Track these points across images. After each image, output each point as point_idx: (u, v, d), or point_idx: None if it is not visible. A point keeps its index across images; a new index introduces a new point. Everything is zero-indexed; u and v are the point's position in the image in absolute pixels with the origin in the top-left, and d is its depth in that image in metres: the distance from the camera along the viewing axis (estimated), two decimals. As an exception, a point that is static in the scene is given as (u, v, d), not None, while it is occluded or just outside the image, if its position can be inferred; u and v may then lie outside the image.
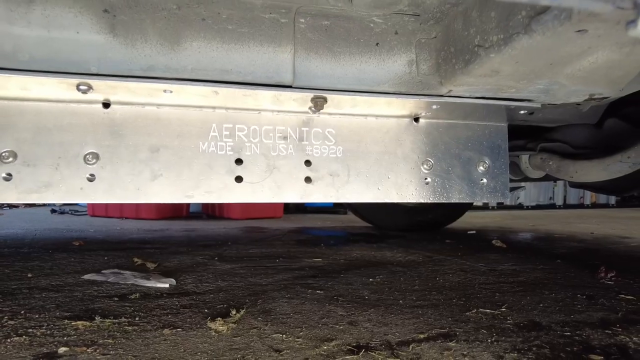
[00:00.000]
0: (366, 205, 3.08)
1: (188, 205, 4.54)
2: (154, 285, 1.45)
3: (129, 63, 0.73)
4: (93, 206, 4.28)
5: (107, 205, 4.14)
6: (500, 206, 5.96)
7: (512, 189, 1.08)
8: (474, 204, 5.77)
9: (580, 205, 6.37)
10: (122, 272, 1.64)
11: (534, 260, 2.07)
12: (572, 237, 3.09)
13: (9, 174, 0.79)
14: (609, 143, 1.14)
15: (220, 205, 4.32)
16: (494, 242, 2.65)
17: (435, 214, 3.05)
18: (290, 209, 5.04)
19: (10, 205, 5.38)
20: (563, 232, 3.37)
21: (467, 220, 4.12)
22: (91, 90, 0.76)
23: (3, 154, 0.79)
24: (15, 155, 0.79)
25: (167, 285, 1.44)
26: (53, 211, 4.67)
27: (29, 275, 1.60)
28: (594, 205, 6.47)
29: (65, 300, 1.27)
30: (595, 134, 1.16)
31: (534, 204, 6.09)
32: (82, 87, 0.75)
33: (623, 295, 1.42)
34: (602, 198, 6.66)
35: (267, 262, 1.91)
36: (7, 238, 2.61)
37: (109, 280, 1.53)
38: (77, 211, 4.73)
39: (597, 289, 1.51)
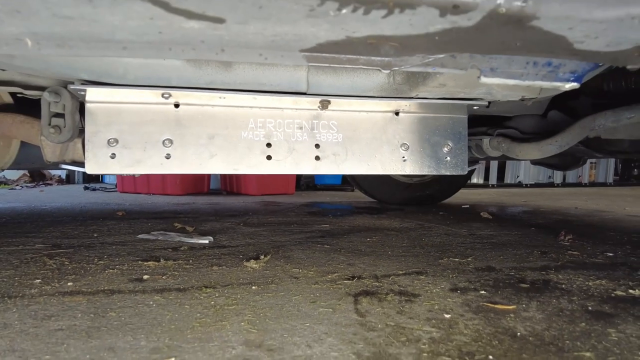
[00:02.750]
0: (370, 183, 3.43)
1: (209, 182, 4.94)
2: (196, 241, 1.84)
3: (197, 79, 1.08)
4: (122, 183, 4.70)
5: (135, 182, 4.56)
6: (500, 184, 6.26)
7: (471, 166, 1.43)
8: (472, 181, 6.07)
9: (579, 184, 6.64)
10: (167, 233, 2.03)
11: (511, 228, 2.42)
12: (556, 211, 3.41)
13: (114, 154, 1.16)
14: (551, 130, 1.47)
15: (238, 182, 4.71)
16: (482, 214, 2.99)
17: (432, 190, 3.40)
18: (302, 186, 5.41)
19: (45, 183, 5.86)
20: (550, 207, 3.69)
21: (465, 196, 4.45)
22: (170, 97, 1.12)
23: (110, 140, 1.15)
24: (117, 141, 1.16)
25: (207, 241, 1.83)
26: (86, 188, 5.12)
27: (95, 235, 2.00)
28: (592, 184, 6.74)
29: (132, 250, 1.67)
30: (541, 123, 1.49)
31: (533, 182, 6.38)
32: (165, 95, 1.11)
33: (571, 252, 1.77)
34: (600, 177, 6.91)
35: (283, 227, 2.30)
36: (61, 209, 3.04)
37: (159, 238, 1.93)
38: (107, 188, 5.17)
39: (552, 248, 1.86)
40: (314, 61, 0.65)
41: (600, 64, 0.75)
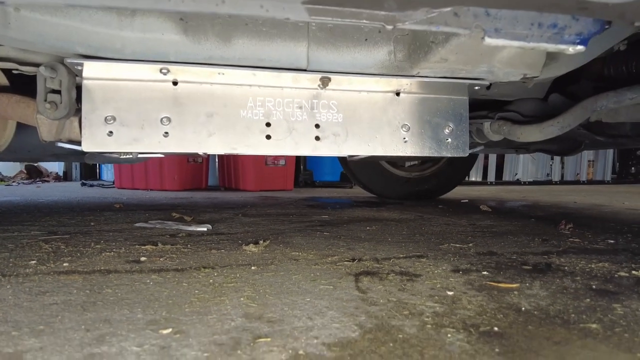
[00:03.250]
0: (368, 177, 3.42)
1: (207, 178, 4.92)
2: (194, 229, 1.82)
3: (195, 54, 1.07)
4: (120, 179, 4.67)
5: (133, 177, 4.53)
6: (498, 182, 6.25)
7: (472, 148, 1.41)
8: (470, 179, 6.07)
9: (576, 182, 6.64)
10: (165, 222, 2.01)
11: (511, 219, 2.40)
12: (555, 205, 3.40)
13: (111, 132, 1.14)
14: (552, 113, 1.46)
15: (236, 178, 4.69)
16: (481, 207, 2.98)
17: (430, 184, 3.39)
18: (300, 183, 5.39)
19: (42, 180, 5.82)
20: (549, 202, 3.69)
21: (463, 192, 4.44)
22: (169, 73, 1.10)
23: (107, 117, 1.13)
24: (114, 119, 1.14)
25: (205, 229, 1.81)
26: (83, 184, 5.09)
27: (92, 223, 1.98)
28: (590, 182, 6.74)
29: (129, 236, 1.65)
30: (542, 106, 1.48)
31: (531, 180, 6.38)
32: (163, 71, 1.09)
33: (572, 239, 1.76)
34: (598, 174, 6.91)
35: (282, 217, 2.28)
36: (57, 202, 3.01)
37: (156, 226, 1.91)
38: (104, 184, 5.14)
39: (553, 236, 1.84)
40: (316, 14, 0.64)
41: (606, 26, 0.73)
